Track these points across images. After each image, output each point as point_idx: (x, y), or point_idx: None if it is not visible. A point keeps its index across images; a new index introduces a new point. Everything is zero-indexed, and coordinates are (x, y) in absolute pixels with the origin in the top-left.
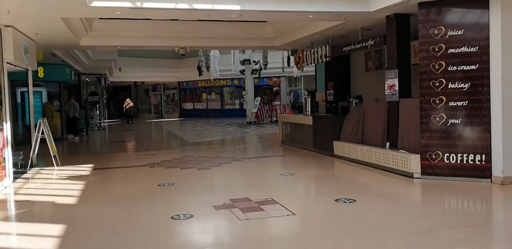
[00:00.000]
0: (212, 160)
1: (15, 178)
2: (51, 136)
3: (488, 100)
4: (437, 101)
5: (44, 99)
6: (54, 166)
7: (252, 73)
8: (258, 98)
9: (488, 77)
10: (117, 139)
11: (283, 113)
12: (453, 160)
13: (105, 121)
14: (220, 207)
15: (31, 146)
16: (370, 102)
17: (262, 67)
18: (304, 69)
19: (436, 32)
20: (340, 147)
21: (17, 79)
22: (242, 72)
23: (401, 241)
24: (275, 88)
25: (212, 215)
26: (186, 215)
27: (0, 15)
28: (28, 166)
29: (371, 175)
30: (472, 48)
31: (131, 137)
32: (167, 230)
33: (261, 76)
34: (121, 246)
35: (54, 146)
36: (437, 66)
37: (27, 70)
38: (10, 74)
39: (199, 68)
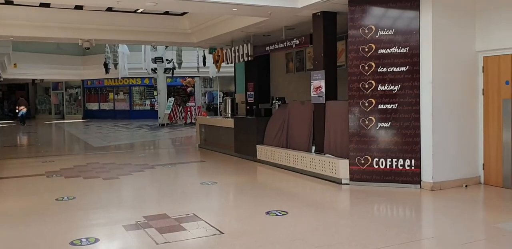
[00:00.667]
0: (121, 168)
1: None
2: None
3: (418, 103)
4: (367, 104)
5: None
6: None
7: (164, 72)
8: (172, 99)
9: (418, 79)
10: (9, 143)
11: (199, 114)
12: (382, 165)
13: None
14: (131, 227)
15: None
16: (295, 104)
17: (176, 66)
18: (220, 70)
19: (367, 31)
20: (263, 151)
21: None
22: (154, 70)
23: None
24: (189, 89)
25: (122, 238)
26: (89, 239)
27: None
28: None
29: (298, 182)
30: (403, 49)
31: (26, 141)
32: None
33: (174, 75)
34: None
35: None
36: (366, 67)
37: None
38: None
39: (105, 65)
